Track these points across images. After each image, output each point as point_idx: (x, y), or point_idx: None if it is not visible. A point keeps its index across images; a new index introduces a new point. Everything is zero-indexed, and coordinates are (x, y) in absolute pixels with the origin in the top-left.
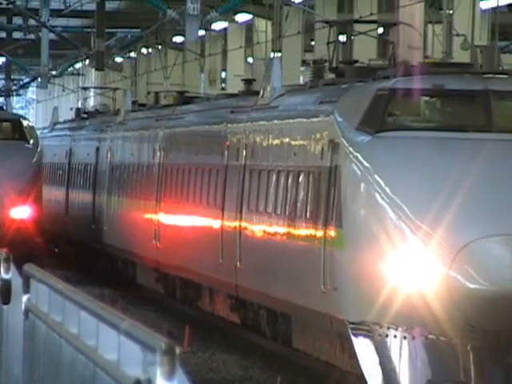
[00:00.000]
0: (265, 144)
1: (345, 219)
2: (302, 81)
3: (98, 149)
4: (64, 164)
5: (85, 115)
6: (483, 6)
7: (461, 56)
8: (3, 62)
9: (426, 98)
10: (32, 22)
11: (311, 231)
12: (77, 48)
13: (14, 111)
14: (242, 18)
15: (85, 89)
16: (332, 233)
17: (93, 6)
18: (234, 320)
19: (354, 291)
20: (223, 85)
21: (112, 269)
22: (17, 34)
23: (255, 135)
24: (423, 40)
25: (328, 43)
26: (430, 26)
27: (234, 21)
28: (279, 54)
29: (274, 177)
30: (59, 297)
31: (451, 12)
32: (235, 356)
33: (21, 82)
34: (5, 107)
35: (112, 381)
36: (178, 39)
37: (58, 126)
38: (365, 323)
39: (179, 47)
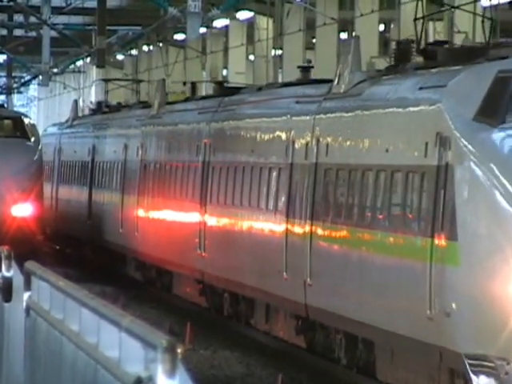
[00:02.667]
0: (344, 139)
1: (461, 230)
2: None
3: (126, 145)
4: (86, 162)
5: (106, 109)
6: (484, 3)
7: None
8: (4, 60)
9: None
10: (33, 19)
11: (411, 243)
12: (78, 45)
13: (16, 109)
14: (243, 15)
15: (106, 81)
16: (443, 246)
17: (94, 4)
18: (298, 343)
19: (474, 318)
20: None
21: (143, 278)
22: (18, 32)
23: (330, 128)
24: (424, 37)
25: (415, 19)
26: (430, 24)
27: (235, 18)
28: (280, 52)
29: (358, 178)
30: (60, 294)
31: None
32: (237, 353)
33: (22, 80)
34: (6, 105)
35: (113, 378)
36: (180, 37)
37: (78, 122)
38: (487, 358)
39: (180, 44)
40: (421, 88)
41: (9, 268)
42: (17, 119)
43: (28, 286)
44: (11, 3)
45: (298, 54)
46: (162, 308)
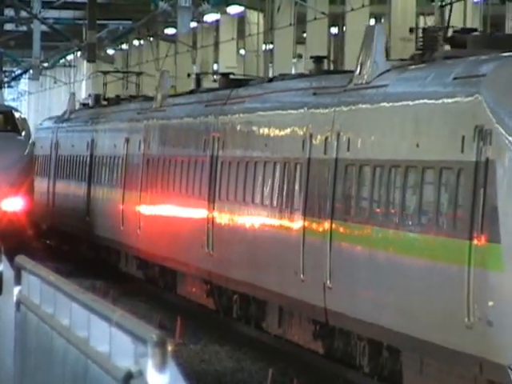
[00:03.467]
0: (367, 133)
1: (504, 231)
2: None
3: (127, 139)
4: (85, 157)
5: (105, 102)
6: None
7: None
8: None
9: None
10: (24, 13)
11: (446, 245)
12: (68, 40)
13: (6, 103)
14: (233, 9)
15: (105, 73)
16: (483, 249)
17: None
18: (315, 348)
19: None
20: (215, 77)
21: (145, 277)
22: (8, 26)
23: (352, 122)
24: (415, 31)
25: (441, 6)
26: (421, 18)
27: (225, 13)
28: (271, 46)
29: (383, 174)
30: (51, 288)
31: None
32: (227, 348)
33: (13, 74)
34: None
35: (103, 372)
36: (170, 31)
37: (76, 115)
38: None
39: (171, 39)
40: (455, 78)
41: None
42: (7, 113)
43: (18, 280)
44: None
45: (288, 48)
46: (153, 302)
